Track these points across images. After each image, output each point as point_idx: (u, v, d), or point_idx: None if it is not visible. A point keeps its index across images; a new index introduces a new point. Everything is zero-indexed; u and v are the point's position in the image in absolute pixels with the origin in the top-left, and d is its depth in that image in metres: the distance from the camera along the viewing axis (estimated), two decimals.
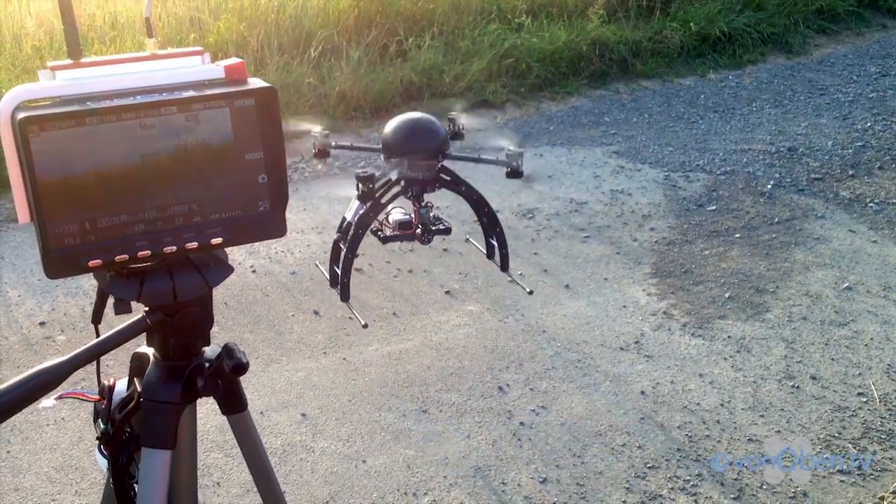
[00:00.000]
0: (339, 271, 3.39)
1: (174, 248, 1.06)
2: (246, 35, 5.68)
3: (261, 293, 3.52)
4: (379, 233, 3.47)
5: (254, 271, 3.68)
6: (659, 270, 3.70)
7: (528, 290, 3.19)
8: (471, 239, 4.20)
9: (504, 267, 3.52)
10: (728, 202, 4.37)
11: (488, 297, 3.49)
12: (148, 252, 1.04)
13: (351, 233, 3.34)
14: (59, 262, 1.00)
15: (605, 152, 5.11)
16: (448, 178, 3.14)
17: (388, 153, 3.00)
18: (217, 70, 1.12)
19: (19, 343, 3.16)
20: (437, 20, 6.47)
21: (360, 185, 3.25)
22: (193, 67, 1.12)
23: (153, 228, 1.06)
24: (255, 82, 1.13)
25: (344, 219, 3.48)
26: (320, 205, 4.37)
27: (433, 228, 3.40)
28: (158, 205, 1.07)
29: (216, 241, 1.09)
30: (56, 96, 1.02)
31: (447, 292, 3.54)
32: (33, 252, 3.84)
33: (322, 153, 3.30)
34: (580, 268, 3.73)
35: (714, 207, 4.31)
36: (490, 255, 3.65)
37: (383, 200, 3.18)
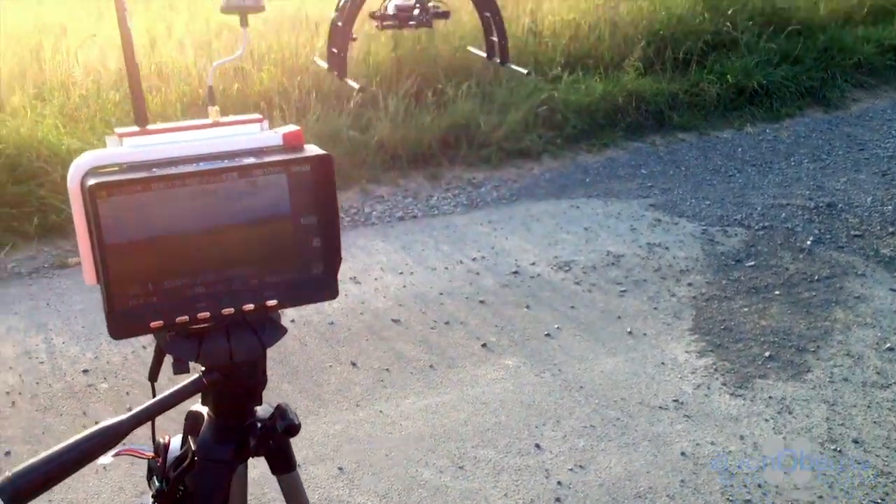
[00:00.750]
0: (336, 51, 3.47)
1: (232, 309, 1.09)
2: (287, 85, 5.78)
3: (299, 343, 3.55)
4: (377, 13, 3.56)
5: (292, 321, 3.71)
6: (698, 327, 3.68)
7: (525, 71, 3.25)
8: (471, 48, 4.32)
9: (504, 59, 3.64)
10: (767, 258, 4.34)
11: (525, 351, 3.49)
12: (207, 314, 1.07)
13: (347, 7, 3.42)
14: (122, 323, 1.03)
15: (642, 205, 5.11)
16: None
17: None
18: (275, 137, 1.15)
19: (63, 391, 3.20)
20: (475, 70, 6.54)
21: None
22: (253, 135, 1.15)
23: (212, 291, 1.09)
24: (312, 149, 1.16)
25: None
26: (358, 254, 4.40)
27: (431, 10, 3.48)
28: (218, 268, 1.10)
29: (271, 303, 1.11)
30: (123, 163, 1.06)
31: (483, 345, 3.54)
32: (78, 298, 3.91)
33: None
34: (618, 323, 3.71)
35: (753, 263, 4.28)
36: (490, 56, 3.76)
37: None
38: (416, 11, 3.42)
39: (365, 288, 4.03)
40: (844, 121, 6.84)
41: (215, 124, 1.16)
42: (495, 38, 3.41)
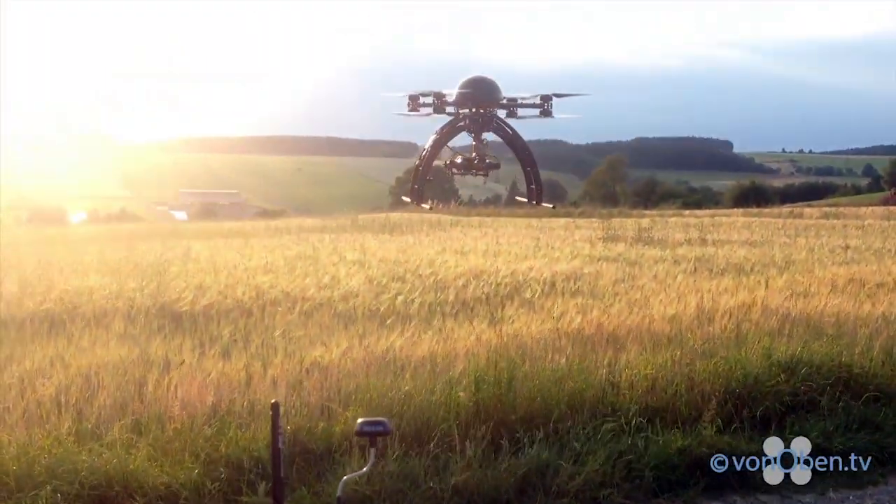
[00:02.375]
0: (416, 186, 4.70)
1: None
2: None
3: None
4: (447, 162, 4.93)
5: None
6: None
7: (552, 205, 4.61)
8: (518, 197, 6.17)
9: (538, 201, 5.02)
10: None
11: None
12: None
13: (427, 153, 4.43)
14: None
15: None
16: (503, 125, 4.74)
17: (459, 102, 4.30)
18: None
19: None
20: (553, 418, 6.62)
21: (435, 100, 4.69)
22: None
23: None
24: None
25: (423, 148, 5.16)
26: None
27: (486, 161, 4.95)
28: None
29: None
30: None
31: None
32: None
33: None
34: None
35: None
36: (530, 200, 5.01)
37: (457, 125, 4.67)
38: (476, 160, 5.56)
39: None
40: None
41: None
42: (534, 187, 5.25)
